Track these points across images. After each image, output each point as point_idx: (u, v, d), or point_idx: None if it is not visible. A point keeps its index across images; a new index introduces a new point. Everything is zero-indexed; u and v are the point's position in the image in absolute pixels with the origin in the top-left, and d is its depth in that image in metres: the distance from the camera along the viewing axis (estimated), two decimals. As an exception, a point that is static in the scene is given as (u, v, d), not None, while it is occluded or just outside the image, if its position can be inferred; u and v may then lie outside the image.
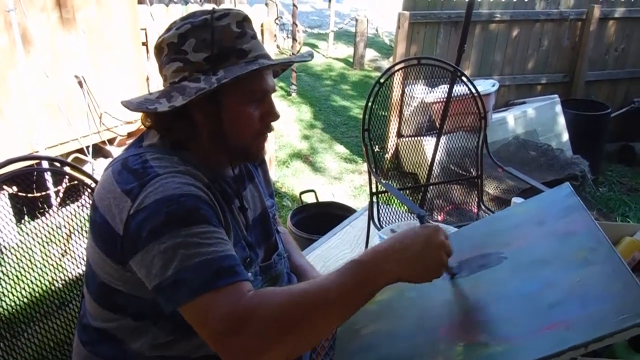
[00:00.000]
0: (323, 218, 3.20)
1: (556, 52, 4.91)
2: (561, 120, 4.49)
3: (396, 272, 0.95)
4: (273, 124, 1.17)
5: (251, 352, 0.87)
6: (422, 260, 0.97)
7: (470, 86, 2.58)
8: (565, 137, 4.49)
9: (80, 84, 3.33)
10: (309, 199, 3.42)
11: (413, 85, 3.24)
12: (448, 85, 2.68)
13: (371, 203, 2.54)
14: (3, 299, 1.34)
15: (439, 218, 3.35)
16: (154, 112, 1.07)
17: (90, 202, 1.19)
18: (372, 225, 2.52)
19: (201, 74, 1.08)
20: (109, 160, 3.66)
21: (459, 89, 2.66)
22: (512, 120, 4.41)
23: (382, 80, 2.48)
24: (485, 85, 4.06)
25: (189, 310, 0.92)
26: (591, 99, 5.01)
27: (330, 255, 2.67)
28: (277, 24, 6.71)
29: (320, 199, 3.46)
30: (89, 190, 1.71)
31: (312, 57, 1.21)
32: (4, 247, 1.41)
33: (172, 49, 1.10)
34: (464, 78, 2.61)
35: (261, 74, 1.12)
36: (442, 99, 2.88)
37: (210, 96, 1.06)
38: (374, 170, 2.46)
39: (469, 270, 1.14)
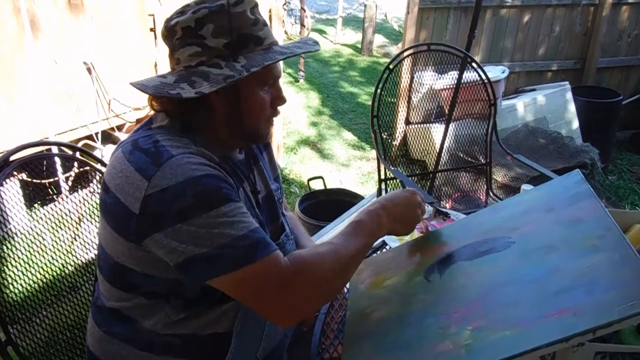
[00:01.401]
0: (331, 204, 3.21)
1: (567, 38, 4.85)
2: (571, 108, 4.45)
3: (389, 226, 1.18)
4: (280, 108, 1.22)
5: (296, 309, 1.02)
6: (406, 216, 1.22)
7: (481, 72, 2.56)
8: (576, 124, 4.45)
9: (88, 70, 3.33)
10: (317, 185, 3.43)
11: (422, 72, 3.22)
12: (457, 72, 2.67)
13: (379, 190, 2.54)
14: (15, 282, 1.36)
15: (447, 205, 3.35)
16: (177, 97, 1.06)
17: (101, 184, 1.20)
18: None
19: (221, 59, 1.09)
20: (119, 143, 3.69)
21: (469, 76, 2.65)
22: (522, 107, 4.38)
23: (391, 67, 2.47)
24: (495, 72, 4.03)
25: (228, 282, 0.99)
26: (602, 86, 4.95)
27: (338, 241, 2.67)
28: (285, 9, 6.67)
29: (328, 186, 3.46)
30: (99, 175, 1.73)
31: (319, 47, 1.23)
32: (14, 232, 1.43)
33: (187, 33, 1.10)
34: (474, 64, 2.60)
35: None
36: (451, 86, 2.87)
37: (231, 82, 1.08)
38: (382, 157, 2.46)
39: (474, 254, 1.15)
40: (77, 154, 1.69)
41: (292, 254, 1.05)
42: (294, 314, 1.03)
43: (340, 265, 1.06)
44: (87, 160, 1.68)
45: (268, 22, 1.22)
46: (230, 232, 0.98)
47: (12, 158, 1.40)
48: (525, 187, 1.62)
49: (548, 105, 4.43)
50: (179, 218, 0.98)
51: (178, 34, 1.11)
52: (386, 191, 2.56)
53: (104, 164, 1.75)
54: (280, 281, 0.99)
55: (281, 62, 1.20)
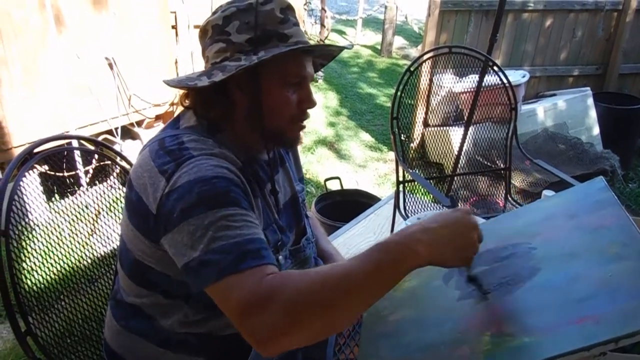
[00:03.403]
0: (347, 205, 3.20)
1: (590, 43, 4.80)
2: (592, 114, 4.40)
3: (424, 254, 0.90)
4: (309, 111, 1.18)
5: (270, 335, 0.85)
6: (454, 242, 0.93)
7: (502, 76, 2.54)
8: (596, 130, 4.40)
9: (110, 65, 3.37)
10: (333, 186, 3.42)
11: (441, 74, 3.20)
12: (477, 75, 2.64)
13: (397, 192, 2.53)
14: (33, 273, 1.37)
15: (464, 209, 3.32)
16: (194, 87, 1.09)
17: (124, 181, 1.21)
18: (397, 214, 2.52)
19: (242, 54, 1.10)
20: (137, 142, 3.73)
21: (488, 79, 2.62)
22: (542, 112, 4.34)
23: (412, 69, 2.45)
24: (515, 76, 4.00)
25: (214, 291, 0.93)
26: (624, 92, 4.89)
27: (353, 242, 2.67)
28: (305, 9, 6.68)
29: (345, 186, 3.45)
30: (118, 170, 1.74)
31: (352, 47, 1.23)
32: (34, 224, 1.45)
33: (216, 31, 1.12)
34: (495, 68, 2.57)
35: (300, 60, 1.14)
36: (470, 89, 2.85)
37: (250, 75, 1.08)
38: (401, 159, 2.45)
39: (494, 259, 1.13)
40: (98, 148, 1.70)
41: (284, 271, 0.94)
42: (271, 339, 0.85)
43: (332, 291, 0.87)
44: (107, 155, 1.69)
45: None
46: (225, 237, 0.93)
47: (33, 151, 1.41)
48: (546, 192, 1.60)
49: (568, 111, 4.38)
50: (182, 217, 0.96)
51: (209, 33, 1.14)
52: (404, 194, 2.55)
53: (123, 159, 1.76)
54: (253, 298, 0.86)
55: (311, 65, 1.18)
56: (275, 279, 0.89)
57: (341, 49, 1.26)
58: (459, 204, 1.41)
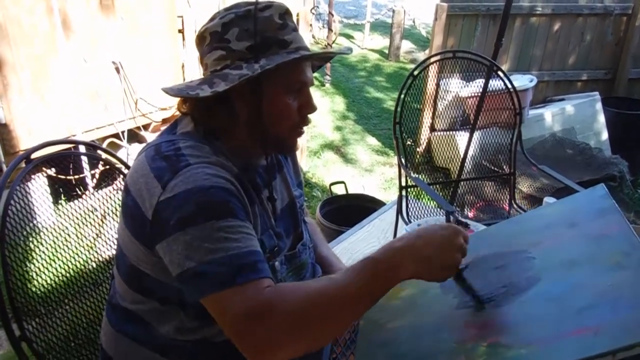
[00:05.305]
0: (352, 210, 3.20)
1: (598, 47, 4.77)
2: (601, 119, 4.37)
3: (412, 269, 0.95)
4: (310, 116, 1.18)
5: (267, 347, 0.89)
6: (439, 260, 0.96)
7: (507, 81, 2.53)
8: (605, 136, 4.37)
9: (117, 69, 3.38)
10: (339, 190, 3.42)
11: (448, 79, 3.19)
12: (484, 80, 2.63)
13: (400, 197, 2.52)
14: (38, 276, 1.38)
15: (470, 214, 3.31)
16: (195, 97, 1.08)
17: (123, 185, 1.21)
18: (400, 220, 2.51)
19: (243, 62, 1.09)
20: (144, 145, 3.74)
21: (495, 84, 2.61)
22: (550, 117, 4.32)
23: (415, 73, 2.45)
24: (523, 81, 3.98)
25: (210, 303, 0.95)
26: (634, 97, 4.85)
27: (357, 247, 2.66)
28: (313, 13, 6.69)
29: (351, 191, 3.45)
30: (123, 174, 1.75)
31: (352, 52, 1.22)
32: (41, 227, 1.45)
33: (214, 38, 1.11)
34: (500, 73, 2.56)
35: (300, 66, 1.13)
36: (477, 94, 2.83)
37: (252, 84, 1.07)
38: (404, 163, 2.44)
39: (492, 268, 1.13)
40: (101, 153, 1.71)
41: (277, 284, 0.97)
42: (266, 351, 0.89)
43: (327, 305, 0.92)
44: (109, 159, 1.70)
45: (295, 27, 1.22)
46: (222, 249, 0.94)
47: (36, 155, 1.41)
48: (547, 199, 1.59)
49: (577, 116, 4.36)
50: (179, 226, 0.96)
51: (207, 40, 1.13)
52: (407, 199, 2.54)
53: (126, 164, 1.77)
54: (251, 311, 0.89)
55: (310, 70, 1.18)
56: (270, 295, 0.92)
57: (340, 52, 1.25)
58: (458, 216, 1.42)
